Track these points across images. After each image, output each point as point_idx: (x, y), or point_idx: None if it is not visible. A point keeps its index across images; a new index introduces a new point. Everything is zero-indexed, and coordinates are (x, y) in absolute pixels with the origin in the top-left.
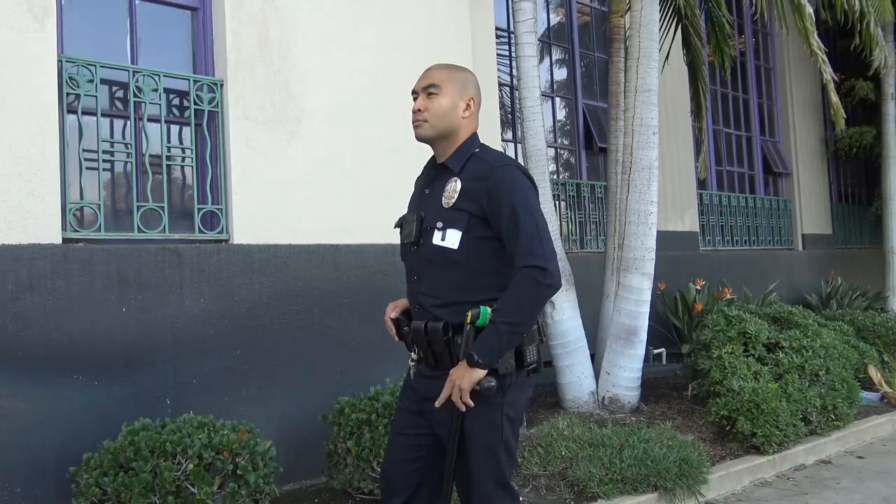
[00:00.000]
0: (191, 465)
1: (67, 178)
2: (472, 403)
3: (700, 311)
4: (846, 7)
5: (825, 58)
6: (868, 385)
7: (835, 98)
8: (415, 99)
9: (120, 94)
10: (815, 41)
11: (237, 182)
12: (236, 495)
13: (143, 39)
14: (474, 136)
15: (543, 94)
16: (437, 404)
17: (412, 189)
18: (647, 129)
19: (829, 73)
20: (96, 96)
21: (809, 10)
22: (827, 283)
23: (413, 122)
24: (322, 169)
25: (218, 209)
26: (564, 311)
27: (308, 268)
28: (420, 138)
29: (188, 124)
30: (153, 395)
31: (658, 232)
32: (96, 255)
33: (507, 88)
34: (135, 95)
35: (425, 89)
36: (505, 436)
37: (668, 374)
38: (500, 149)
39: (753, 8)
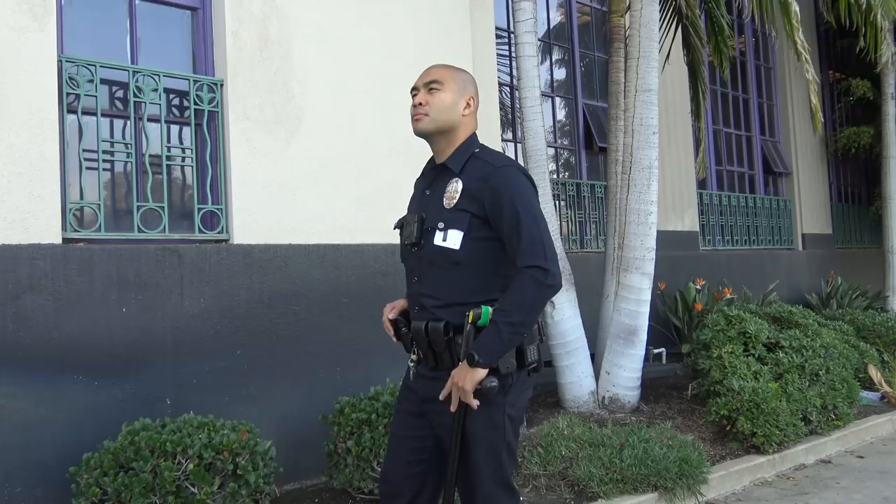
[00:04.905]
0: (191, 465)
1: (67, 178)
2: (476, 404)
3: (700, 311)
4: (851, 1)
5: (808, 57)
6: (868, 385)
7: (815, 100)
8: (414, 95)
9: (120, 94)
10: (800, 39)
11: (237, 182)
12: (236, 495)
13: (143, 39)
14: (474, 137)
15: (543, 94)
16: (452, 409)
17: (412, 189)
18: (647, 128)
19: (811, 72)
20: (96, 96)
21: (795, 7)
22: (827, 282)
23: (413, 117)
24: (322, 169)
25: (218, 209)
26: (564, 311)
27: (308, 268)
28: (419, 132)
29: (188, 124)
30: (153, 395)
31: (658, 232)
32: (96, 255)
33: (507, 88)
34: (135, 95)
35: (427, 85)
36: (507, 436)
37: (668, 374)
38: (499, 149)
39: (747, 11)
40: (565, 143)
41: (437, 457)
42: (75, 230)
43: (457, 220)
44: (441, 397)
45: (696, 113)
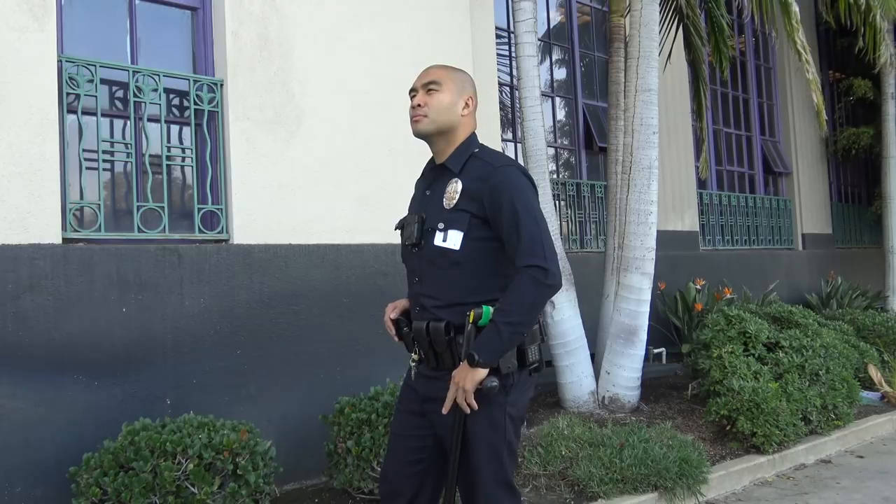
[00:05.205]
0: (191, 465)
1: (67, 178)
2: (476, 405)
3: (700, 311)
4: (850, 1)
5: (809, 57)
6: (868, 384)
7: (817, 98)
8: (412, 96)
9: (120, 94)
10: (800, 39)
11: (237, 182)
12: (236, 495)
13: (143, 39)
14: (473, 137)
15: (543, 94)
16: (444, 410)
17: (412, 189)
18: (647, 128)
19: (812, 72)
20: (96, 96)
21: (795, 8)
22: (827, 282)
23: (412, 118)
24: (322, 169)
25: (218, 209)
26: (564, 311)
27: (308, 268)
28: (419, 133)
29: (188, 124)
30: (153, 395)
31: (658, 232)
32: (96, 255)
33: (507, 88)
34: (135, 95)
35: (425, 86)
36: (508, 436)
37: (668, 374)
38: (499, 149)
39: (747, 11)
40: (565, 143)
41: (437, 456)
42: (75, 230)
43: (457, 220)
44: (445, 410)
45: (697, 112)
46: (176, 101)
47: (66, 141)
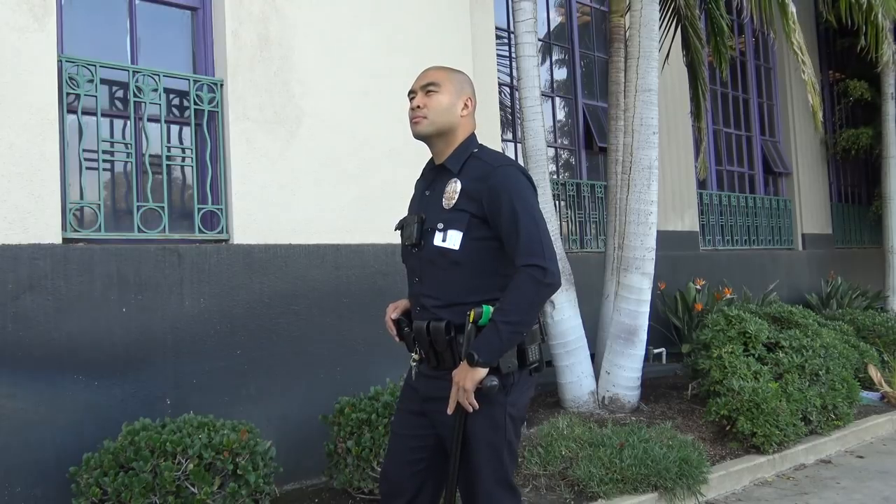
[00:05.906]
0: (191, 465)
1: (67, 178)
2: (476, 405)
3: (700, 311)
4: (851, 0)
5: (805, 58)
6: (868, 385)
7: (813, 100)
8: (412, 98)
9: (120, 94)
10: (797, 40)
11: (237, 182)
12: (236, 495)
13: (143, 39)
14: (472, 137)
15: (543, 94)
16: (448, 411)
17: (412, 189)
18: (647, 128)
19: (808, 72)
20: (96, 96)
21: (793, 8)
22: (827, 282)
23: (412, 120)
24: (322, 169)
25: (218, 209)
26: (564, 311)
27: (308, 268)
28: (418, 135)
29: (188, 124)
30: (153, 395)
31: (658, 232)
32: (96, 255)
33: (507, 88)
34: (135, 95)
35: (424, 88)
36: (508, 435)
37: (668, 374)
38: (499, 149)
39: (746, 12)
40: (565, 143)
41: (437, 456)
42: (75, 230)
43: (456, 220)
44: (449, 411)
45: (696, 113)
46: (176, 101)
47: (66, 141)
